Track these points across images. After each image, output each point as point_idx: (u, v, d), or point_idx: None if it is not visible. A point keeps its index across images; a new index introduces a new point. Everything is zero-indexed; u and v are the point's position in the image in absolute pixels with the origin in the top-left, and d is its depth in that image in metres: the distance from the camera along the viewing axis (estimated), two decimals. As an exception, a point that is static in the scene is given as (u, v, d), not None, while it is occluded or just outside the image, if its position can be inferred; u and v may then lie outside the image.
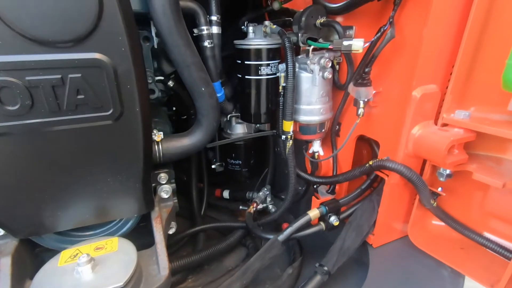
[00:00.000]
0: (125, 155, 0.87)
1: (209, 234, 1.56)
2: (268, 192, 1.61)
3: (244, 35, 1.19)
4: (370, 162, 1.02)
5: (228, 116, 1.48)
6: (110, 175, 0.88)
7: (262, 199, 1.56)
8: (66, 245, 0.94)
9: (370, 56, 0.92)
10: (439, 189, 1.03)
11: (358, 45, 0.87)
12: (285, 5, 1.45)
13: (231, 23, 1.42)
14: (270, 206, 1.62)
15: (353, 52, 0.88)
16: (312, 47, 1.04)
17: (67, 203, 0.88)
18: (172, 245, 1.46)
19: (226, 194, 1.83)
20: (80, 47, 0.72)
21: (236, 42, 1.14)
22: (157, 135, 0.99)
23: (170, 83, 1.25)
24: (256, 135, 1.36)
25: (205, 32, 1.03)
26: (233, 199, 1.82)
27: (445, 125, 0.94)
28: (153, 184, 1.07)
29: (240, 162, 1.58)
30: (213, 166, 1.68)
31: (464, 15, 0.83)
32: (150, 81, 0.97)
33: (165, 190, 1.07)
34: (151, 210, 1.01)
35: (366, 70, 0.94)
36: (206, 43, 1.04)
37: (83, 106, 0.77)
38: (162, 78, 1.23)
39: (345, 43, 0.88)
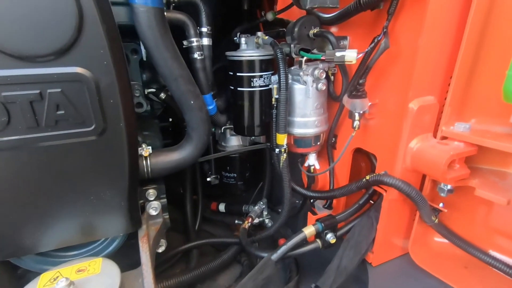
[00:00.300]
0: (109, 172, 0.84)
1: (203, 250, 1.51)
2: (264, 206, 1.56)
3: (237, 47, 1.16)
4: (367, 177, 0.97)
5: (222, 128, 1.45)
6: (94, 193, 0.84)
7: (258, 213, 1.51)
8: (48, 267, 0.89)
9: (364, 67, 0.89)
10: (440, 204, 0.99)
11: (351, 56, 0.83)
12: (279, 16, 1.43)
13: (225, 35, 1.41)
14: (267, 221, 1.57)
15: (346, 63, 0.85)
16: (305, 58, 1.01)
17: (47, 223, 0.83)
18: (165, 262, 1.41)
19: (222, 207, 1.78)
20: (60, 61, 0.69)
21: (228, 53, 1.12)
22: (145, 150, 0.96)
23: (162, 95, 1.23)
24: (250, 148, 1.33)
25: (194, 44, 1.01)
26: (229, 212, 1.77)
27: (444, 138, 0.89)
28: (141, 201, 1.02)
29: (235, 175, 1.54)
30: (208, 179, 1.64)
31: (461, 23, 0.79)
32: (137, 95, 0.94)
33: (154, 207, 1.03)
34: (138, 228, 0.97)
35: (361, 81, 0.90)
36: (196, 55, 1.02)
37: (64, 121, 0.74)
38: (154, 90, 1.20)
39: (338, 54, 0.85)
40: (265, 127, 1.21)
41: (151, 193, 1.02)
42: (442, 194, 0.92)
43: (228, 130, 1.43)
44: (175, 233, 1.72)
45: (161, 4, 0.77)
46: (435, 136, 0.91)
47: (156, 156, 1.00)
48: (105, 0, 0.69)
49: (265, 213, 1.58)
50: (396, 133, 0.91)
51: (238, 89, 1.13)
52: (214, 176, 1.64)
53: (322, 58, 0.90)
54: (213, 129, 1.50)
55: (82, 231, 0.89)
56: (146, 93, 1.15)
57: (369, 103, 0.96)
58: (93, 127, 0.76)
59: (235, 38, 1.18)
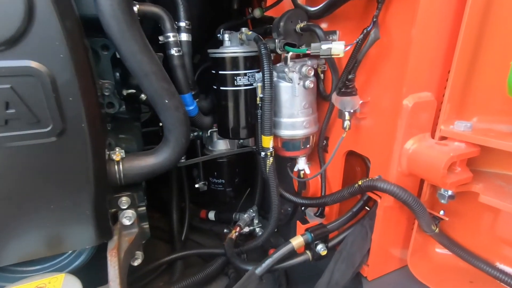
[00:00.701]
0: (71, 178, 0.76)
1: (191, 261, 1.42)
2: (254, 214, 1.47)
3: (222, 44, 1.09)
4: (359, 182, 0.89)
5: (209, 131, 1.37)
6: (54, 202, 0.76)
7: (247, 221, 1.42)
8: (4, 284, 0.80)
9: (353, 61, 0.81)
10: (441, 212, 0.89)
11: (338, 48, 0.76)
12: (268, 13, 1.37)
13: (213, 33, 1.34)
14: (258, 229, 1.48)
15: (333, 56, 0.77)
16: (290, 53, 0.93)
17: (3, 234, 0.75)
18: (148, 274, 1.31)
19: (211, 215, 1.69)
20: (8, 54, 0.62)
21: (210, 51, 1.05)
22: (116, 154, 0.88)
23: (143, 97, 1.15)
24: (236, 151, 1.24)
25: (171, 39, 0.93)
26: (219, 220, 1.68)
27: (443, 138, 0.81)
28: (113, 210, 0.94)
29: (223, 181, 1.45)
30: (196, 185, 1.56)
31: (459, 10, 0.72)
32: (107, 93, 0.87)
33: (127, 216, 0.94)
34: (108, 240, 0.88)
35: (350, 77, 0.82)
36: (173, 51, 0.94)
37: (15, 121, 0.66)
38: (133, 91, 1.12)
39: (324, 46, 0.77)
40: (252, 129, 1.13)
41: (124, 201, 0.93)
42: (442, 201, 0.83)
43: (214, 133, 1.35)
44: (161, 242, 1.63)
45: (126, -8, 0.70)
46: (433, 136, 0.83)
47: (130, 161, 0.92)
48: (60, -14, 0.62)
49: (255, 221, 1.49)
50: (390, 133, 0.83)
51: (221, 88, 1.06)
52: (202, 182, 1.55)
53: (308, 52, 0.83)
54: (200, 133, 1.42)
55: (44, 243, 0.80)
56: (125, 93, 1.07)
57: (360, 101, 0.88)
58: (50, 127, 0.69)
59: (218, 35, 1.11)
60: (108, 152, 0.89)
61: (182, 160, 1.37)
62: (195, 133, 1.42)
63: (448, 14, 0.74)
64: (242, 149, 1.23)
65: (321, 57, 0.79)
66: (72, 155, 0.74)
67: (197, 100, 1.10)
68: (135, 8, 0.85)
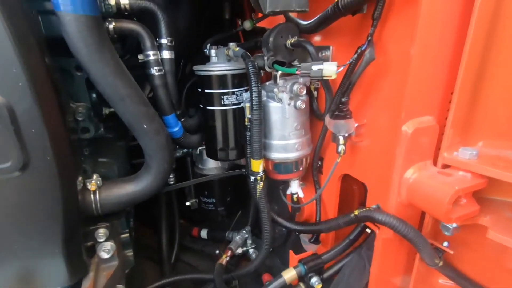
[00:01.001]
0: (38, 215, 0.69)
1: (182, 285, 1.34)
2: (247, 235, 1.39)
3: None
4: (356, 212, 0.81)
5: (198, 149, 1.30)
6: (18, 241, 0.69)
7: (239, 243, 1.35)
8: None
9: (347, 83, 0.74)
10: (445, 243, 0.82)
11: (330, 70, 0.69)
12: (261, 24, 1.31)
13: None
14: (251, 251, 1.40)
15: (325, 78, 0.71)
16: (280, 72, 0.87)
17: (-39, 278, 0.68)
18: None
19: (204, 233, 1.62)
20: (-43, 83, 0.55)
21: (195, 68, 0.98)
22: (91, 184, 0.81)
23: (126, 115, 1.08)
24: (225, 174, 1.17)
25: (151, 58, 0.87)
26: (212, 239, 1.60)
27: (446, 166, 0.74)
28: (90, 243, 0.87)
29: (214, 201, 1.38)
30: (187, 203, 1.49)
31: (463, 26, 0.65)
32: (81, 118, 0.80)
33: (106, 249, 0.87)
34: (83, 277, 0.81)
35: (343, 100, 0.75)
36: (154, 71, 0.88)
37: (-32, 157, 0.59)
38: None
39: (315, 67, 0.71)
40: (242, 150, 1.06)
41: (101, 233, 0.86)
42: (446, 233, 0.76)
43: (204, 151, 1.29)
44: (151, 262, 1.56)
45: (93, 11, 0.64)
46: (435, 164, 0.76)
47: (108, 189, 0.85)
48: (16, 7, 0.55)
49: (249, 241, 1.41)
50: (388, 159, 0.76)
51: (208, 107, 0.99)
52: (194, 200, 1.48)
53: (297, 72, 0.76)
54: (190, 150, 1.36)
55: (9, 285, 0.73)
56: (107, 112, 1.01)
57: (356, 124, 0.81)
58: (9, 163, 0.62)
59: (205, 50, 1.04)
60: (83, 181, 0.83)
61: (171, 182, 1.31)
62: (185, 150, 1.36)
63: (451, 30, 0.67)
64: (231, 171, 1.16)
65: (311, 79, 0.73)
66: (38, 190, 0.67)
67: (183, 120, 1.03)
68: (111, 26, 0.79)
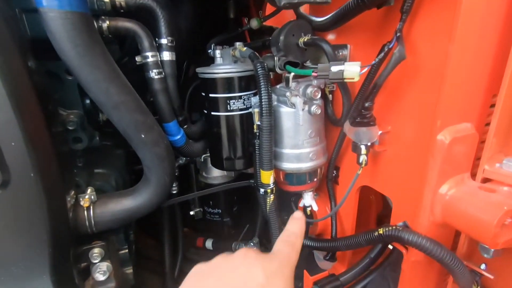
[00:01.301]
0: (21, 236, 0.61)
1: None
2: (255, 248, 1.30)
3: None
4: (380, 231, 0.72)
5: (202, 156, 1.22)
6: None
7: (247, 257, 1.26)
8: None
9: (371, 86, 0.65)
10: (482, 266, 0.72)
11: (352, 71, 0.60)
12: (268, 23, 1.22)
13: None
14: (259, 264, 1.31)
15: (346, 81, 0.62)
16: (292, 74, 0.78)
17: None
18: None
19: (209, 244, 1.53)
20: None
21: (198, 70, 0.90)
22: (84, 199, 0.73)
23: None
24: (232, 186, 1.09)
25: (150, 59, 0.79)
26: (217, 250, 1.52)
27: (487, 180, 0.64)
28: (84, 264, 0.79)
29: (220, 211, 1.30)
30: (191, 212, 1.41)
31: (510, 16, 0.55)
32: (72, 127, 0.72)
33: (101, 271, 0.79)
34: (75, 304, 0.73)
35: (367, 105, 0.66)
36: (153, 74, 0.80)
37: None
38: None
39: (334, 68, 0.62)
40: (250, 159, 0.98)
41: (96, 253, 0.78)
42: (486, 255, 0.66)
43: (209, 159, 1.20)
44: (153, 275, 1.48)
45: (82, 7, 0.56)
46: (473, 177, 0.66)
47: (103, 204, 0.77)
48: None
49: (257, 254, 1.33)
50: (418, 172, 0.66)
51: (213, 113, 0.90)
52: (198, 209, 1.40)
53: (314, 74, 0.67)
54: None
55: (-9, 316, 0.65)
56: (104, 119, 0.93)
57: (379, 132, 0.72)
58: (-15, 181, 0.54)
59: (209, 51, 0.96)
60: (75, 196, 0.75)
61: (175, 191, 1.23)
62: (188, 157, 1.28)
63: (496, 22, 0.57)
64: (237, 183, 1.07)
65: (330, 81, 0.64)
66: (21, 209, 0.59)
67: (185, 126, 0.94)
68: (104, 25, 0.71)
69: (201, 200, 1.35)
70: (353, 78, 0.61)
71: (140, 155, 0.75)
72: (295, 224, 0.54)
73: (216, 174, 1.25)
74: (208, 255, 1.47)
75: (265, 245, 1.41)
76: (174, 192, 1.27)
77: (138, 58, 0.79)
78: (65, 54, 0.57)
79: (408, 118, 0.68)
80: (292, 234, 0.52)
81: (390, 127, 0.73)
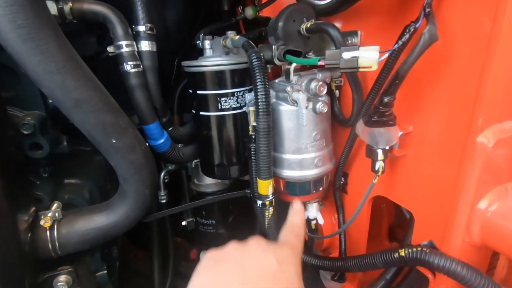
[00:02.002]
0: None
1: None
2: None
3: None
4: (402, 252, 0.60)
5: (193, 162, 1.09)
6: None
7: (244, 273, 1.13)
8: None
9: (391, 76, 0.53)
10: (525, 293, 0.60)
11: (369, 58, 0.48)
12: (264, 13, 1.10)
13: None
14: (258, 280, 1.18)
15: (362, 70, 0.50)
16: (293, 65, 0.66)
17: None
18: None
19: (203, 256, 1.40)
20: None
21: (184, 63, 0.78)
22: (45, 218, 0.61)
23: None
24: (224, 196, 0.96)
25: (124, 49, 0.66)
26: (212, 263, 1.39)
27: (536, 191, 0.52)
28: (48, 293, 0.66)
29: (214, 222, 1.17)
30: (183, 223, 1.28)
31: None
32: (27, 131, 0.60)
33: (68, 302, 0.66)
34: None
35: (386, 100, 0.54)
36: (128, 67, 0.67)
37: None
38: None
39: (346, 55, 0.50)
40: (245, 165, 0.85)
41: (62, 281, 0.65)
42: (532, 283, 0.54)
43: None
44: (144, 291, 1.35)
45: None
46: (517, 188, 0.54)
47: (71, 222, 0.65)
48: None
49: (256, 269, 1.20)
50: (449, 182, 0.54)
51: (202, 113, 0.78)
52: (190, 219, 1.27)
53: (320, 63, 0.55)
54: (185, 162, 1.15)
55: None
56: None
57: (400, 133, 0.59)
58: None
59: (197, 42, 0.83)
60: (34, 214, 0.62)
61: (163, 200, 1.11)
62: (177, 164, 1.15)
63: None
64: (232, 193, 0.94)
65: (341, 71, 0.52)
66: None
67: (170, 129, 0.82)
68: (66, 7, 0.59)
69: (193, 210, 1.22)
70: (371, 67, 0.49)
71: (112, 164, 0.62)
72: (296, 216, 0.55)
73: (209, 182, 1.12)
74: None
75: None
76: (163, 201, 1.15)
77: (110, 49, 0.66)
78: (3, 37, 0.44)
79: (435, 115, 0.56)
80: (295, 226, 0.53)
81: (412, 127, 0.61)
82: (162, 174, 1.11)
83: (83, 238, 0.66)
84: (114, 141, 0.58)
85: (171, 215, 1.27)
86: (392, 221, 1.06)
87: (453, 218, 0.55)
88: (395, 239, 1.10)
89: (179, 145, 0.93)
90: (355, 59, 0.49)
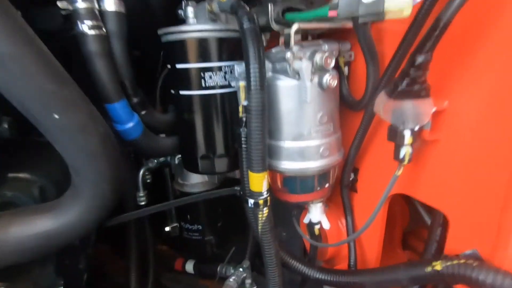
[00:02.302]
0: None
1: None
2: (245, 274, 1.02)
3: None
4: (437, 266, 0.46)
5: (177, 158, 0.95)
6: None
7: (233, 287, 0.98)
8: None
9: (432, 25, 0.39)
10: None
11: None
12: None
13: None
14: (250, 293, 1.03)
15: (389, 17, 0.36)
16: (294, 28, 0.52)
17: None
18: None
19: (189, 266, 1.24)
20: None
21: (160, 31, 0.64)
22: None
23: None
24: (212, 194, 0.82)
25: (80, 4, 0.52)
26: (199, 273, 1.24)
27: None
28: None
29: (200, 228, 1.02)
30: (166, 229, 1.13)
31: None
32: None
33: (-1, 331, 0.51)
34: None
35: (420, 60, 0.40)
36: (85, 27, 0.53)
37: None
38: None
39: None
40: (235, 158, 0.71)
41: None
42: None
43: (185, 160, 0.93)
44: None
45: None
46: None
47: (4, 227, 0.49)
48: None
49: (248, 281, 1.05)
50: (500, 177, 0.41)
51: (182, 92, 0.64)
52: (174, 224, 1.13)
53: (331, 13, 0.41)
54: (168, 159, 1.00)
55: None
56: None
57: (433, 108, 0.46)
58: None
59: (179, 11, 0.70)
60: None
61: (143, 202, 0.97)
62: (162, 159, 1.01)
63: None
64: (218, 191, 0.80)
65: (361, 19, 0.38)
66: None
67: (144, 112, 0.67)
68: None
69: (177, 214, 1.07)
70: (403, 11, 0.36)
71: (58, 149, 0.47)
72: None
73: (194, 181, 0.98)
74: (188, 282, 1.16)
75: (258, 269, 1.13)
76: (142, 203, 1.00)
77: (60, 4, 0.52)
78: None
79: (481, 87, 0.43)
80: None
81: (446, 103, 0.47)
82: (142, 171, 0.96)
83: (20, 247, 0.51)
84: (56, 116, 0.43)
85: (153, 219, 1.13)
86: (405, 226, 0.93)
87: (507, 222, 0.41)
88: (408, 247, 0.96)
89: (162, 136, 0.79)
90: (381, 2, 0.36)
